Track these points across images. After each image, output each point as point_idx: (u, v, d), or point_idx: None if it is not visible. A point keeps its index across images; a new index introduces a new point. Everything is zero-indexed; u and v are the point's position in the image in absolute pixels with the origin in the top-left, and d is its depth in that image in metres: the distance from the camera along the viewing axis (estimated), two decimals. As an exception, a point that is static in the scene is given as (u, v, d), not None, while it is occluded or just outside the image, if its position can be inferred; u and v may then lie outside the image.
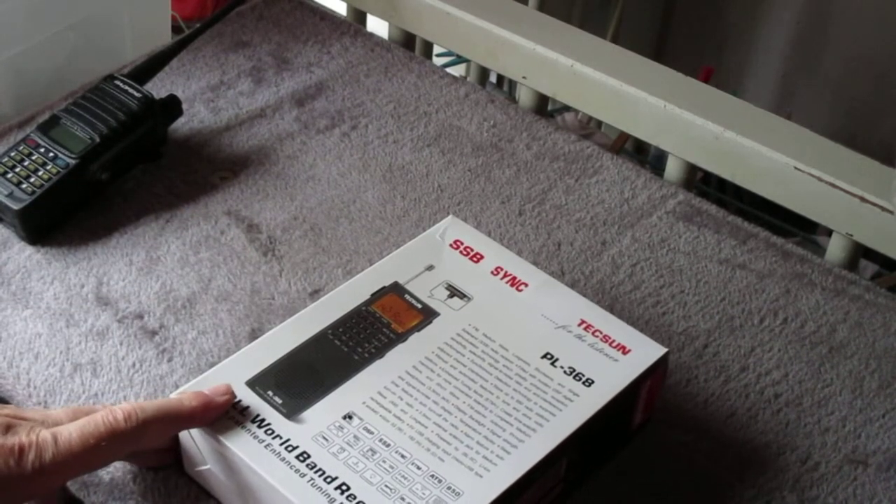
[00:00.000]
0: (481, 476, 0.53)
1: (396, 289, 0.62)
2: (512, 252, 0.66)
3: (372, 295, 0.62)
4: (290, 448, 0.54)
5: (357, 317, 0.60)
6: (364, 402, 0.56)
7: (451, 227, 0.67)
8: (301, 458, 0.53)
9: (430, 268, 0.64)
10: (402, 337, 0.59)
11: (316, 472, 0.53)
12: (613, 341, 0.60)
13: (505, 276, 0.64)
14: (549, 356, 0.59)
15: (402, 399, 0.56)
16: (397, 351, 0.59)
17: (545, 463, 0.54)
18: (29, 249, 0.71)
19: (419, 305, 0.61)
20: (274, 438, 0.54)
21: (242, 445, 0.54)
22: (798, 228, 1.23)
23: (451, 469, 0.53)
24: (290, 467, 0.53)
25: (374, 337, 0.59)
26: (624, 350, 0.59)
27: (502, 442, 0.54)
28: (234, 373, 0.57)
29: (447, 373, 0.58)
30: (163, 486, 0.58)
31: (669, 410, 0.65)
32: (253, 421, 0.55)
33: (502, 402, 0.56)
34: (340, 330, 0.60)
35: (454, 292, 0.62)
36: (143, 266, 0.71)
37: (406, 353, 0.59)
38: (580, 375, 0.58)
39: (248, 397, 0.56)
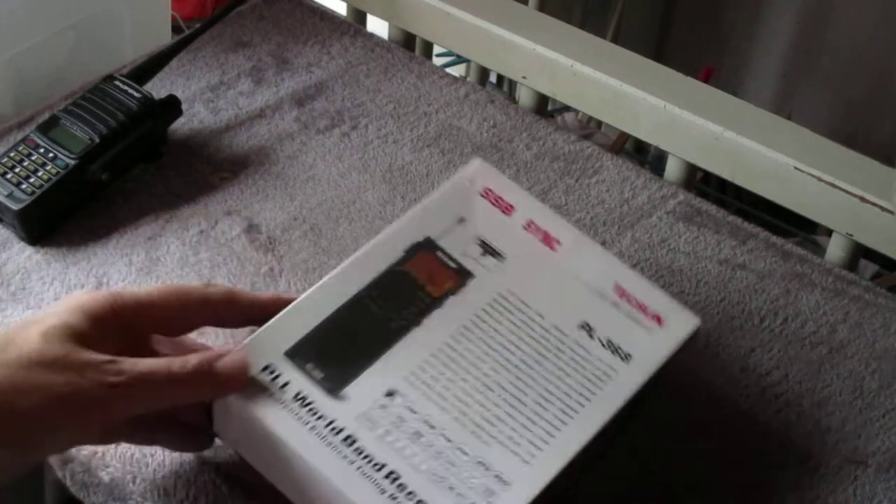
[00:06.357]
0: (528, 462, 0.52)
1: (429, 245, 0.60)
2: (540, 202, 0.63)
3: (405, 252, 0.59)
4: (335, 431, 0.52)
5: (391, 277, 0.58)
6: (405, 378, 0.54)
7: (481, 173, 0.63)
8: (348, 442, 0.52)
9: (462, 220, 0.61)
10: (438, 301, 0.57)
11: (364, 458, 0.51)
12: (648, 309, 0.59)
13: (537, 231, 0.61)
14: (585, 326, 0.58)
15: (443, 374, 0.55)
16: (434, 317, 0.57)
17: (588, 445, 0.54)
18: (29, 250, 0.71)
19: (453, 265, 0.59)
20: (318, 419, 0.52)
21: (286, 427, 0.52)
22: (798, 228, 1.23)
23: (497, 454, 0.52)
24: (338, 453, 0.51)
25: (410, 302, 0.57)
26: (659, 321, 0.59)
27: (546, 424, 0.54)
28: (273, 341, 0.55)
29: (486, 344, 0.56)
30: (163, 487, 0.58)
31: (669, 410, 0.65)
32: (295, 398, 0.53)
33: (543, 379, 0.55)
34: (376, 293, 0.57)
35: (487, 250, 0.60)
36: (142, 266, 0.71)
37: (444, 321, 0.57)
38: (618, 349, 0.58)
39: (287, 371, 0.54)
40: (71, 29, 0.85)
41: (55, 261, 0.71)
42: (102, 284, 0.69)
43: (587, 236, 0.62)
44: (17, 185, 0.71)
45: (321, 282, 0.58)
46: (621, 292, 0.59)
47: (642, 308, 0.59)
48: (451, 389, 0.54)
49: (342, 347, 0.55)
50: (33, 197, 0.70)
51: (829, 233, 0.78)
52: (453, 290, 0.58)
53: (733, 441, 0.63)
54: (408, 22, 0.93)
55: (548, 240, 0.61)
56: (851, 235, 0.76)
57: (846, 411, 0.66)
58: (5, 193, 0.71)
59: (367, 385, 0.54)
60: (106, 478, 0.58)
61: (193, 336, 0.60)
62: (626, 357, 0.57)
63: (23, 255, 0.71)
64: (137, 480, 0.58)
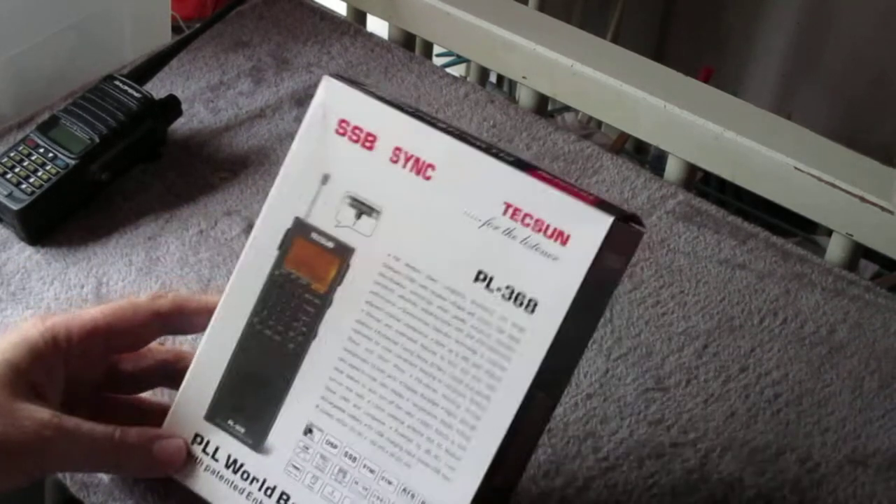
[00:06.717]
0: (448, 479, 0.49)
1: (301, 228, 0.53)
2: (402, 113, 0.53)
3: (279, 248, 0.54)
4: (269, 492, 0.53)
5: (275, 288, 0.54)
6: (318, 406, 0.52)
7: (331, 100, 0.54)
8: (282, 501, 0.52)
9: (326, 179, 0.53)
10: (326, 299, 0.53)
11: None
12: (548, 227, 0.49)
13: (407, 160, 0.52)
14: (481, 276, 0.50)
15: (351, 390, 0.52)
16: (328, 321, 0.52)
17: (512, 428, 0.49)
18: (29, 250, 0.71)
19: (330, 245, 0.53)
20: (252, 483, 0.53)
21: (226, 500, 0.53)
22: (798, 228, 1.23)
23: (418, 476, 0.50)
24: None
25: (299, 310, 0.53)
26: (563, 238, 0.48)
27: (459, 424, 0.50)
28: (193, 405, 0.55)
29: (385, 337, 0.51)
30: (163, 487, 0.58)
31: (668, 410, 0.65)
32: (227, 465, 0.53)
33: (448, 365, 0.50)
34: (265, 314, 0.54)
35: (360, 208, 0.52)
36: (142, 266, 0.71)
37: (337, 322, 0.52)
38: (520, 297, 0.49)
39: (213, 435, 0.54)
40: (71, 29, 0.85)
41: (55, 261, 0.71)
42: (102, 284, 0.69)
43: (463, 143, 0.51)
44: (17, 185, 0.71)
45: (212, 321, 0.55)
46: (513, 212, 0.49)
47: (541, 226, 0.49)
48: (362, 407, 0.51)
49: (253, 391, 0.54)
50: (33, 197, 0.70)
51: (829, 233, 0.78)
52: (338, 279, 0.52)
53: (733, 441, 0.63)
54: (408, 22, 0.93)
55: (420, 167, 0.52)
56: (851, 235, 0.76)
57: (846, 411, 0.66)
58: (5, 193, 0.71)
59: (286, 427, 0.53)
60: (106, 478, 0.58)
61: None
62: (531, 306, 0.49)
63: (23, 255, 0.71)
64: (137, 480, 0.58)
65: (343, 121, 0.53)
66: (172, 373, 0.57)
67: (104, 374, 0.57)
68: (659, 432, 0.63)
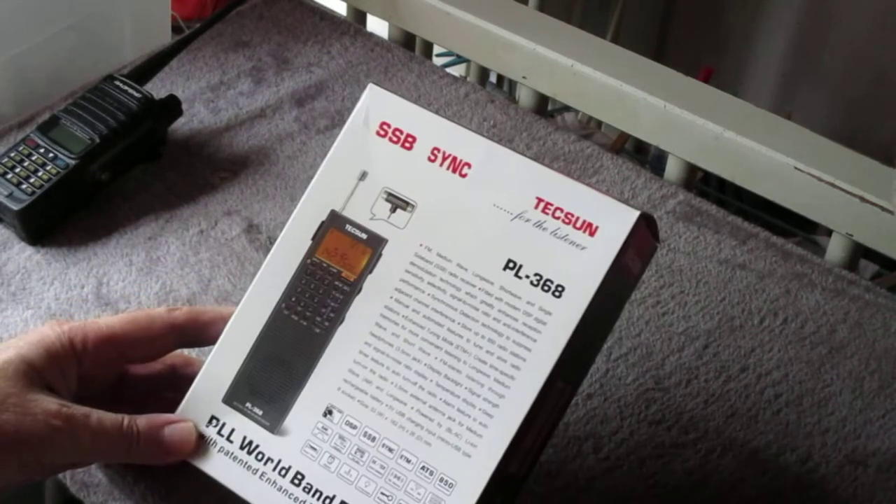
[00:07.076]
0: (469, 455, 0.51)
1: (335, 220, 0.56)
2: (443, 118, 0.56)
3: (313, 239, 0.56)
4: (283, 472, 0.53)
5: (305, 275, 0.55)
6: (339, 389, 0.53)
7: (374, 105, 0.57)
8: (296, 481, 0.53)
9: (363, 175, 0.56)
10: (356, 286, 0.54)
11: (314, 495, 0.52)
12: (577, 220, 0.52)
13: (444, 159, 0.55)
14: (511, 265, 0.53)
15: (374, 373, 0.53)
16: (356, 307, 0.54)
17: (533, 410, 0.51)
18: (29, 250, 0.71)
19: (364, 236, 0.55)
20: (266, 464, 0.53)
21: (239, 481, 0.53)
22: (798, 228, 1.23)
23: (438, 453, 0.51)
24: (289, 496, 0.52)
25: (328, 296, 0.55)
26: (591, 230, 0.52)
27: (482, 403, 0.51)
28: (211, 390, 0.55)
29: (412, 322, 0.53)
30: (163, 487, 0.58)
31: (669, 410, 0.65)
32: (242, 447, 0.54)
33: (474, 347, 0.52)
34: (293, 300, 0.55)
35: (396, 203, 0.55)
36: (143, 266, 0.71)
37: (365, 308, 0.54)
38: (548, 284, 0.52)
39: (229, 418, 0.55)
40: (71, 29, 0.85)
41: (55, 261, 0.71)
42: (102, 284, 0.69)
43: (498, 145, 0.55)
44: (18, 185, 0.71)
45: (238, 307, 0.56)
46: (544, 206, 0.53)
47: (570, 219, 0.52)
48: (384, 389, 0.53)
49: (273, 375, 0.55)
50: (34, 197, 0.70)
51: (829, 233, 0.78)
52: (369, 267, 0.55)
53: (733, 441, 0.63)
54: (408, 22, 0.93)
55: (456, 166, 0.55)
56: (851, 235, 0.76)
57: (846, 411, 0.66)
58: (6, 193, 0.71)
59: (305, 409, 0.54)
60: (106, 478, 0.58)
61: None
62: (558, 292, 0.51)
63: (23, 255, 0.71)
64: (137, 480, 0.58)
65: (384, 123, 0.56)
66: (181, 378, 0.57)
67: (115, 378, 0.57)
68: (659, 432, 0.63)
